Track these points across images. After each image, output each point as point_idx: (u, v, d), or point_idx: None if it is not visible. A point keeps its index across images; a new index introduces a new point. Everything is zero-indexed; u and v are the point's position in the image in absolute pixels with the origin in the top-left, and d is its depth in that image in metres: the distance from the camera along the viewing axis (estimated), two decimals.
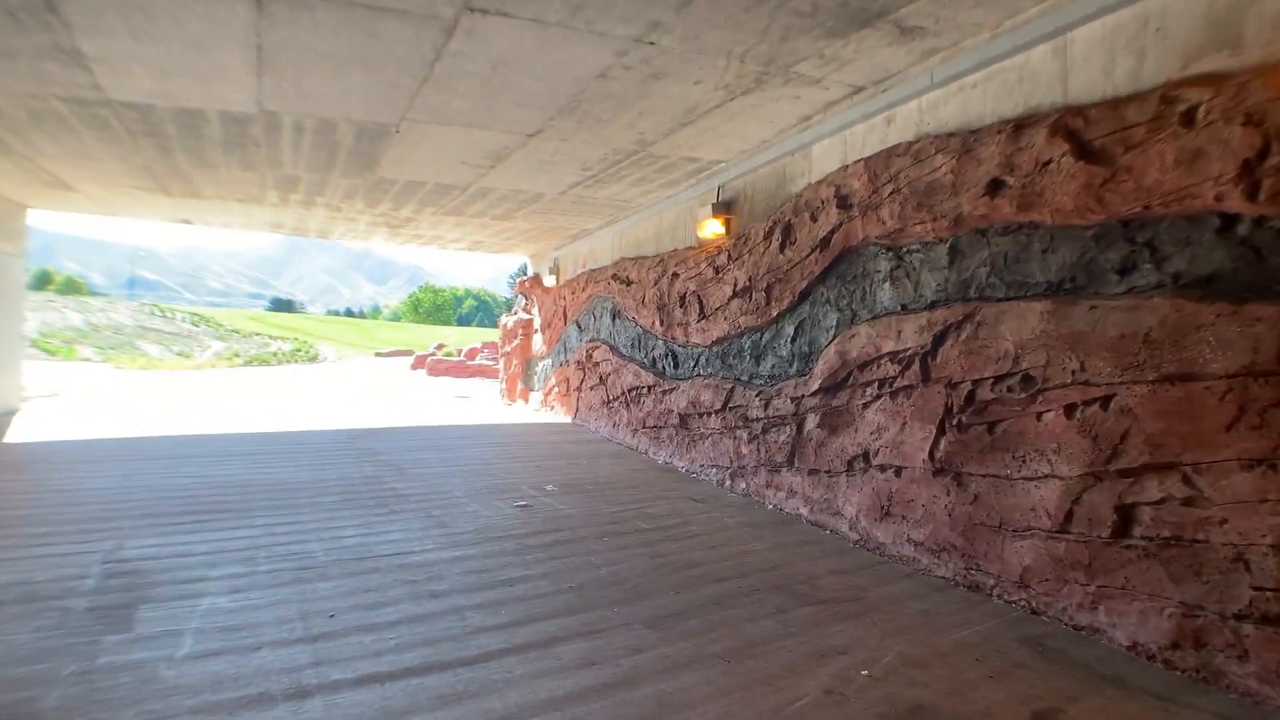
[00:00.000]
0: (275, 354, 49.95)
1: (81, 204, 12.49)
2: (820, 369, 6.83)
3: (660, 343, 10.20)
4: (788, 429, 7.32)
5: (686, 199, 9.84)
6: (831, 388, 6.72)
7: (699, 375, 9.12)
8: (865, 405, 6.34)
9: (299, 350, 53.27)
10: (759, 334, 7.91)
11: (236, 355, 46.53)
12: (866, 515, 6.24)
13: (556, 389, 14.88)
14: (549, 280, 15.64)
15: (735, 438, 8.23)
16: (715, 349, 8.77)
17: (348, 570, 5.01)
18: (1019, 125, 5.01)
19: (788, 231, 7.47)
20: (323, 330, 77.51)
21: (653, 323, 10.38)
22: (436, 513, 6.68)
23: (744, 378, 8.17)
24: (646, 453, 10.41)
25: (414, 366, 33.47)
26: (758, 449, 7.80)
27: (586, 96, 6.56)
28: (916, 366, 5.75)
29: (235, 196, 11.31)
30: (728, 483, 8.32)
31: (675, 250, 10.09)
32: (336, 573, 4.96)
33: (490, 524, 6.38)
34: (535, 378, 16.59)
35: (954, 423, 5.41)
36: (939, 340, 5.55)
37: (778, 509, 7.40)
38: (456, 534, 6.03)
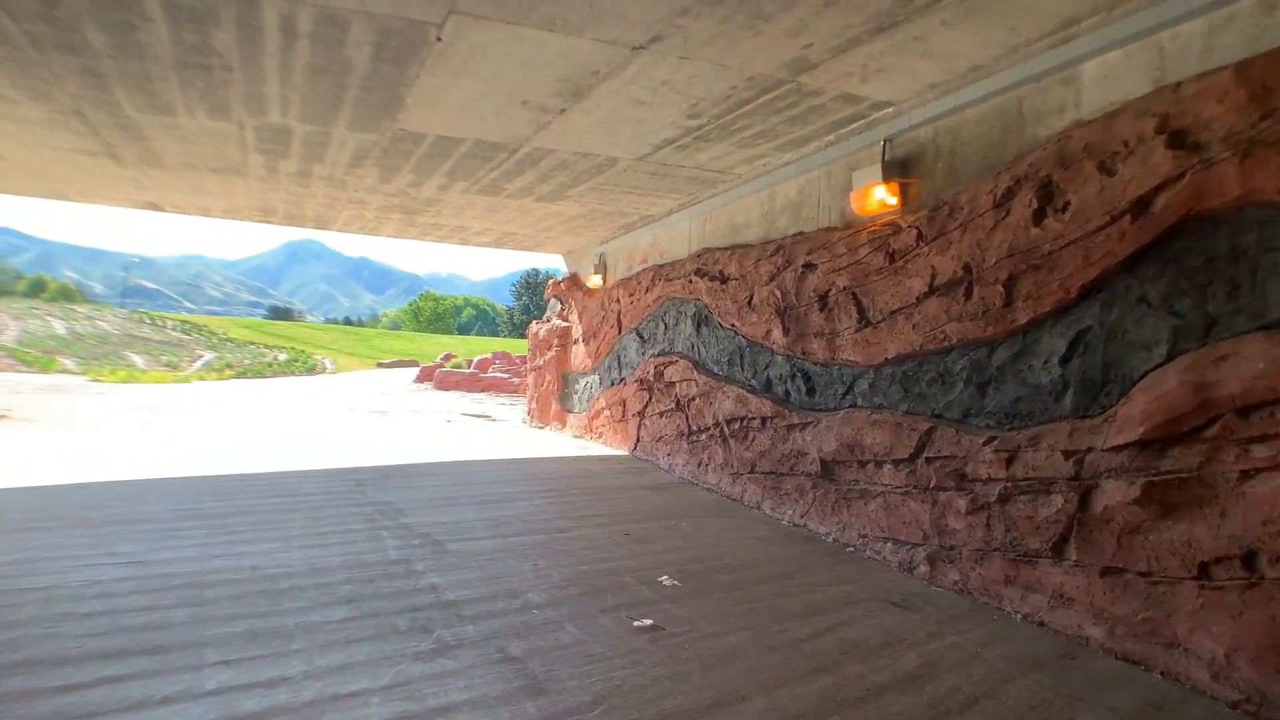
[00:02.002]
0: (270, 364, 47.23)
1: (9, 177, 9.78)
2: (1139, 409, 4.15)
3: (781, 359, 7.50)
4: (1056, 499, 4.63)
5: (821, 162, 7.18)
6: (1165, 440, 4.05)
7: (857, 407, 6.43)
8: (1247, 473, 3.68)
9: (296, 360, 50.58)
10: (987, 349, 5.23)
11: (228, 366, 43.76)
12: (1254, 661, 3.60)
13: (606, 412, 12.15)
14: (594, 280, 12.94)
15: (935, 502, 5.54)
16: (890, 370, 6.09)
17: None
18: None
19: (1047, 194, 4.83)
20: (321, 339, 75.01)
21: (768, 332, 7.69)
22: (516, 651, 3.96)
23: (952, 414, 5.49)
24: (759, 506, 7.70)
25: (419, 379, 30.75)
26: (987, 524, 5.11)
27: None
28: None
29: (209, 164, 8.62)
30: (923, 569, 5.62)
31: (802, 234, 7.41)
32: None
33: (616, 679, 3.66)
34: (575, 397, 13.86)
35: None
36: None
37: (1034, 622, 4.71)
38: (568, 714, 3.31)
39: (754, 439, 7.82)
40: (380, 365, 48.27)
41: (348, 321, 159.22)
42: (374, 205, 10.70)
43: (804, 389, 7.13)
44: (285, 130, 7.19)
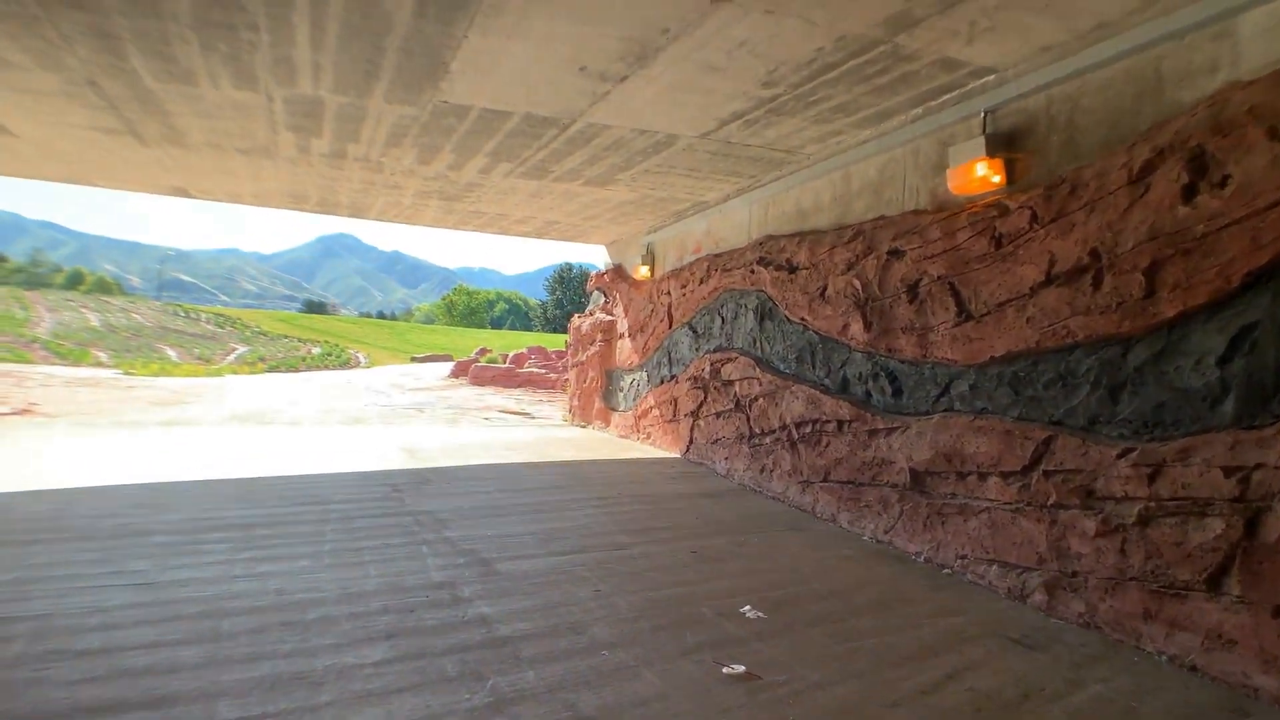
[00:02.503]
0: (304, 358, 46.96)
1: (29, 160, 9.25)
2: None
3: (860, 357, 6.80)
4: (1214, 523, 3.92)
5: (906, 139, 6.48)
6: None
7: (954, 411, 5.71)
8: None
9: (329, 354, 50.30)
10: (1121, 347, 4.51)
11: (261, 360, 43.51)
12: None
13: (656, 412, 11.48)
14: (641, 272, 12.27)
15: (1054, 521, 4.82)
16: (997, 370, 5.36)
17: None
18: None
19: (1199, 166, 4.12)
20: (355, 333, 74.96)
21: (845, 326, 6.98)
22: (588, 707, 3.30)
23: (1076, 421, 4.76)
24: (835, 519, 7.00)
25: (454, 374, 30.20)
26: (1122, 549, 4.39)
27: None
28: None
29: (236, 144, 8.03)
30: (1038, 598, 4.89)
31: (885, 218, 6.70)
32: None
33: None
34: (619, 395, 13.19)
35: None
36: None
37: (1184, 665, 4.00)
38: None
39: (828, 444, 7.11)
40: (414, 359, 47.84)
41: (381, 315, 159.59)
42: (411, 191, 10.10)
43: (889, 390, 6.42)
44: (317, 103, 6.58)
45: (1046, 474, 4.88)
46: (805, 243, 7.71)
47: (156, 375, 27.15)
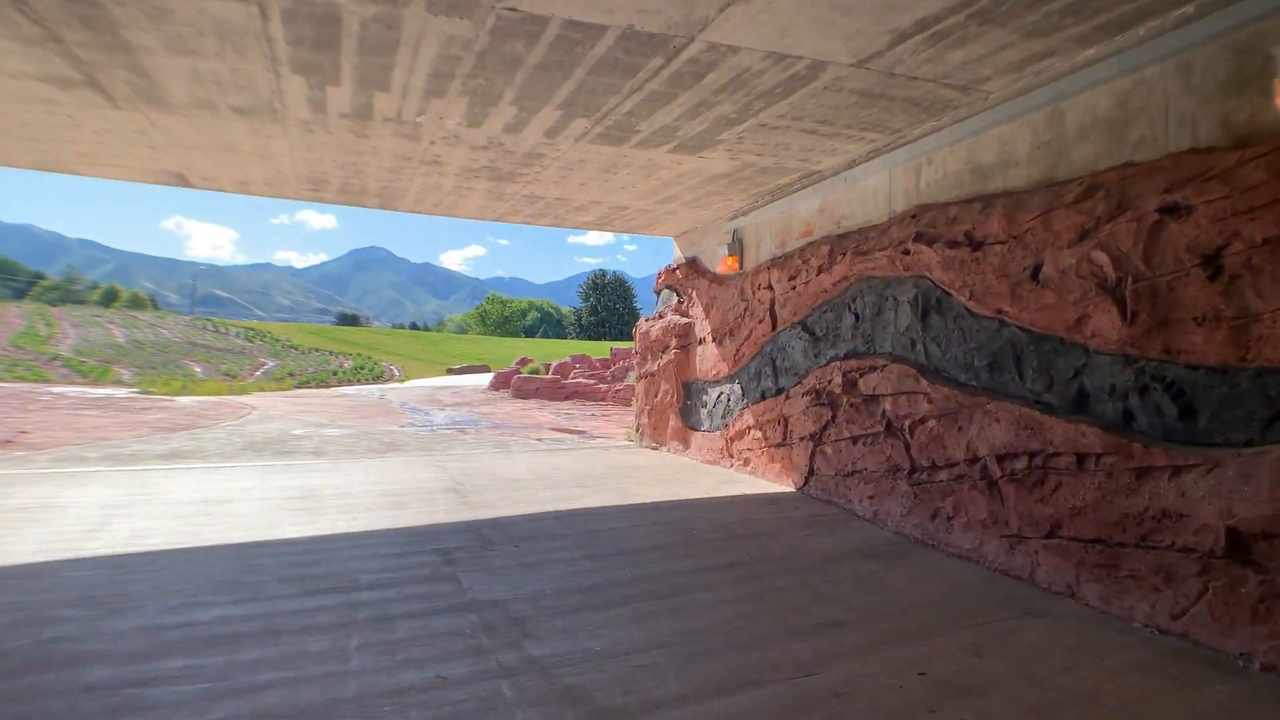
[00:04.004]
0: (335, 372, 45.30)
1: None
2: None
3: (1110, 361, 4.73)
4: None
5: (1165, 52, 4.52)
6: None
7: None
8: None
9: (362, 367, 48.64)
10: None
11: (290, 375, 41.83)
12: None
13: (757, 434, 9.41)
14: (726, 264, 10.24)
15: None
16: None
17: None
18: None
19: None
20: (388, 344, 73.52)
21: (1080, 319, 4.92)
22: None
23: None
24: (1075, 594, 4.91)
25: (495, 386, 28.25)
26: None
27: None
28: None
29: (230, 100, 6.13)
30: None
31: (1133, 165, 4.65)
32: None
33: None
34: (703, 412, 11.10)
35: None
36: None
37: None
38: None
39: (1059, 486, 5.03)
40: (450, 371, 46.08)
41: (414, 326, 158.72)
42: (455, 167, 8.15)
43: (1171, 410, 4.35)
44: (331, 17, 4.63)
45: None
46: (995, 208, 5.66)
47: (177, 393, 25.44)
